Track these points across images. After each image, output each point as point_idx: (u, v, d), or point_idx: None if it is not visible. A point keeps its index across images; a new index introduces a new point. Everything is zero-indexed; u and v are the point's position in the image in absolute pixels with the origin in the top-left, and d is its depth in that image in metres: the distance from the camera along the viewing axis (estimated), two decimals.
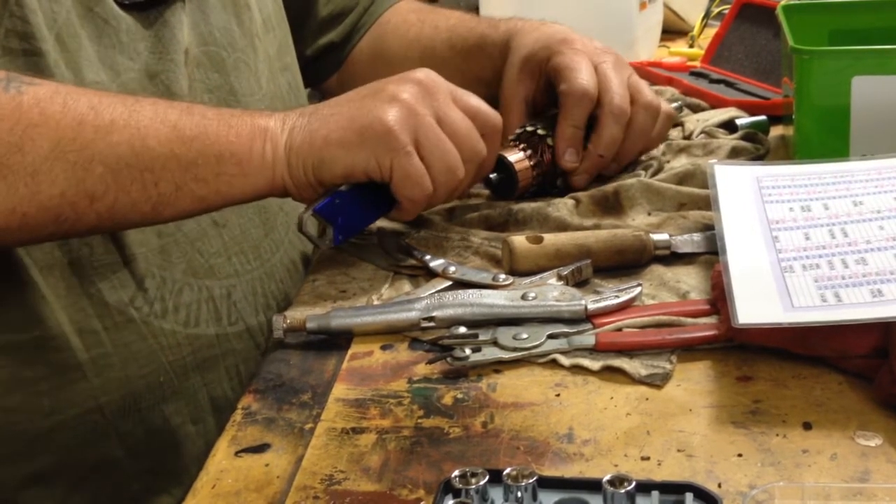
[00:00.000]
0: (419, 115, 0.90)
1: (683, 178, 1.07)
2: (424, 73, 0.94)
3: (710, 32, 1.56)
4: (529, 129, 1.09)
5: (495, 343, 0.81)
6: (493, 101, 1.07)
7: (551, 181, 1.08)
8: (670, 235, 0.94)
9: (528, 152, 1.07)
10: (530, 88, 1.13)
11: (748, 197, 0.91)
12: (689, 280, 0.90)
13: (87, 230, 0.88)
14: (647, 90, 1.10)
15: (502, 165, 1.06)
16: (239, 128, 0.89)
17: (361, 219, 0.96)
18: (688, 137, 1.21)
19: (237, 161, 0.89)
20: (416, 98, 0.91)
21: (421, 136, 0.90)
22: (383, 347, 0.84)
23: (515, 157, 1.06)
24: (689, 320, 0.82)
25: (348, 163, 0.90)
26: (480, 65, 1.20)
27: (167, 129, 0.87)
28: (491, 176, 1.06)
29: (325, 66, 1.31)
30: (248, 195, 0.91)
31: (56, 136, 0.83)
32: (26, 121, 0.82)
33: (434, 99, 0.92)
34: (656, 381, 0.76)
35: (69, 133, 0.83)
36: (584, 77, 1.07)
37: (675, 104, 1.25)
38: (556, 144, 1.07)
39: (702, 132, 1.22)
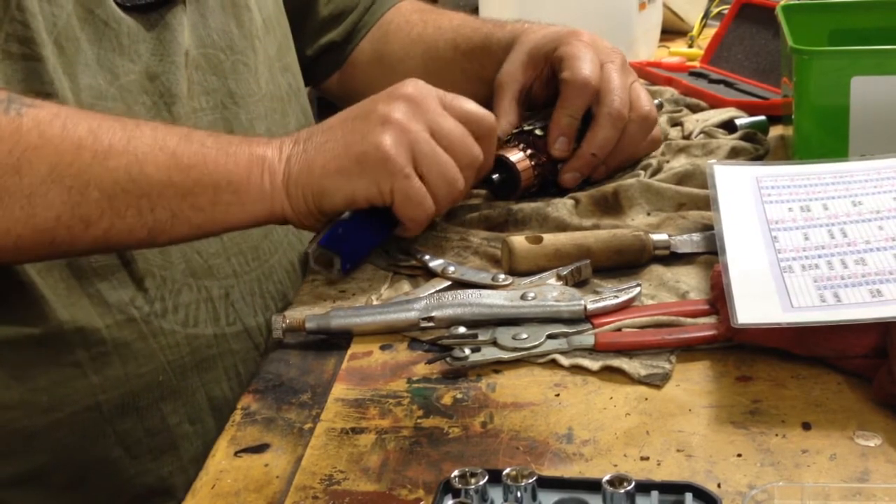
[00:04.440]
0: (412, 132, 0.90)
1: (683, 179, 1.07)
2: (413, 86, 0.93)
3: (710, 32, 1.55)
4: (527, 128, 1.08)
5: (495, 343, 0.81)
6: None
7: (552, 181, 1.08)
8: (670, 235, 0.94)
9: (529, 152, 1.06)
10: (529, 77, 1.12)
11: (747, 197, 0.91)
12: (689, 280, 0.90)
13: (81, 253, 0.89)
14: (646, 100, 1.10)
15: (503, 166, 1.05)
16: (237, 156, 0.89)
17: (366, 244, 0.96)
18: (687, 137, 1.21)
19: (234, 190, 0.88)
20: (407, 116, 0.90)
21: (418, 154, 0.90)
22: (382, 347, 0.84)
23: (516, 156, 1.06)
24: (689, 320, 0.82)
25: (349, 191, 0.90)
26: (484, 64, 1.19)
27: (165, 157, 0.87)
28: (493, 176, 1.05)
29: (325, 66, 1.30)
30: (245, 223, 0.91)
31: (54, 159, 0.83)
32: (25, 143, 0.82)
33: (425, 111, 0.92)
34: (656, 381, 0.76)
35: (67, 157, 0.83)
36: (587, 68, 1.06)
37: (654, 101, 1.23)
38: (550, 131, 1.06)
39: (701, 132, 1.22)
